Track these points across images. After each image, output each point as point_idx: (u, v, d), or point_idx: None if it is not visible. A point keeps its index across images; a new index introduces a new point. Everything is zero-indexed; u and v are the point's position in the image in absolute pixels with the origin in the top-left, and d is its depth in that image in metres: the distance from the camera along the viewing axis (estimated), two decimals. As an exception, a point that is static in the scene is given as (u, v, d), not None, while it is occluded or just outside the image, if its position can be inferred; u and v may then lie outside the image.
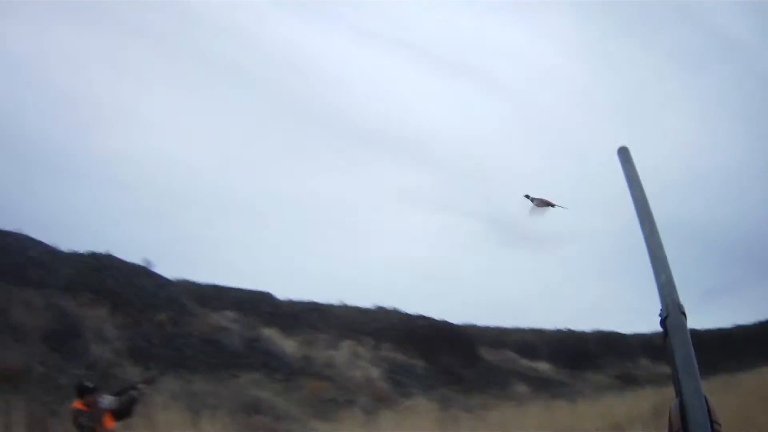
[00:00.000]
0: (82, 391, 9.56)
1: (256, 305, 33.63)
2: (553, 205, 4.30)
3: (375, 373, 30.73)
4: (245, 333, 31.01)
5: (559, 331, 43.03)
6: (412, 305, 39.39)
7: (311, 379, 28.57)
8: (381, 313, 37.22)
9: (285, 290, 37.10)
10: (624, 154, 1.51)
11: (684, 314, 1.18)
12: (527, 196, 4.34)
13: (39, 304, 27.61)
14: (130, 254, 33.58)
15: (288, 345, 31.35)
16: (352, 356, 31.76)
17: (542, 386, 32.35)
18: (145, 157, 56.51)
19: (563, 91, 66.07)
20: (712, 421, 1.06)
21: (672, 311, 1.18)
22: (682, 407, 1.09)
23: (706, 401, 1.08)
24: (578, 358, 39.03)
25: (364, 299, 39.58)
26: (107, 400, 9.36)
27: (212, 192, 59.75)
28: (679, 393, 1.12)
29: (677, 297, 1.20)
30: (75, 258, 32.08)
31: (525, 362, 37.36)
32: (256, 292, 34.96)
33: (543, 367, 37.82)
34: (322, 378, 28.92)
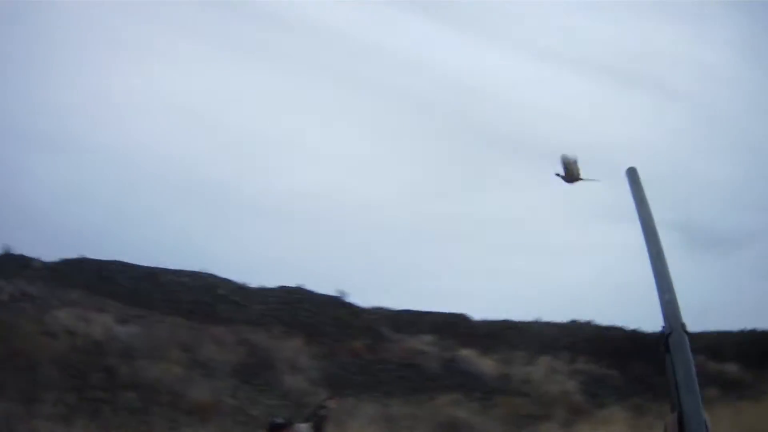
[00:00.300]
0: (273, 428, 8.41)
1: (452, 327, 33.63)
2: (582, 179, 4.39)
3: (571, 386, 30.66)
4: (442, 355, 31.23)
5: (743, 332, 40.40)
6: (605, 316, 37.43)
7: (508, 396, 28.76)
8: (575, 326, 36.72)
9: (480, 311, 36.45)
10: (632, 174, 1.53)
11: (687, 333, 1.19)
12: (557, 174, 4.45)
13: (230, 339, 28.54)
14: (323, 286, 33.87)
15: (485, 364, 31.45)
16: (549, 371, 31.65)
17: (730, 388, 30.90)
18: (330, 191, 58.84)
19: (739, 93, 61.19)
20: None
21: (675, 329, 1.19)
22: (680, 423, 1.11)
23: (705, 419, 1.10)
24: (765, 357, 36.08)
25: (558, 314, 37.79)
26: (303, 428, 9.21)
27: (401, 219, 60.55)
28: (676, 407, 1.13)
29: (680, 316, 1.20)
30: (265, 293, 33.02)
31: (713, 365, 34.15)
32: (451, 314, 34.73)
33: (731, 368, 35.70)
34: (519, 394, 29.04)
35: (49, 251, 35.89)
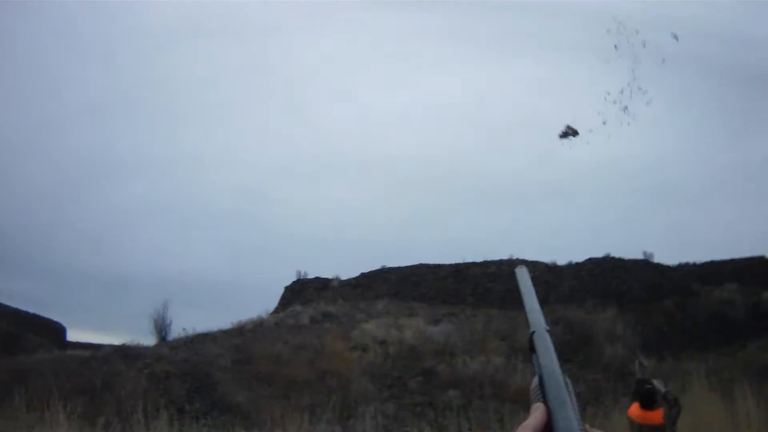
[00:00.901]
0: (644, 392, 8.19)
1: (753, 271, 32.13)
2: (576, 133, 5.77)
3: None
4: (747, 301, 30.37)
5: None
6: None
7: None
8: None
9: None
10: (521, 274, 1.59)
11: (548, 332, 1.28)
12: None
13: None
14: (629, 251, 34.43)
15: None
16: None
17: None
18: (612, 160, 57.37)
19: None
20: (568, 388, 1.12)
21: (539, 329, 1.29)
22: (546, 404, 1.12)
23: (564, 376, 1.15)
24: None
25: None
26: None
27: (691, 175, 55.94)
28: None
29: (545, 324, 1.31)
30: (575, 268, 33.06)
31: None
32: (750, 258, 33.50)
33: None
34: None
35: (343, 270, 38.48)
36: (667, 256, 35.33)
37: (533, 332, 1.29)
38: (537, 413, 1.09)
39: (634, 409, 8.08)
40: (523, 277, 1.53)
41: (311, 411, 19.54)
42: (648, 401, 8.11)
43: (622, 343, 27.04)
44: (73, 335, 49.94)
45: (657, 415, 7.90)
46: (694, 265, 33.99)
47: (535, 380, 1.17)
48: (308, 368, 23.87)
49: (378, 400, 21.88)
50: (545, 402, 1.10)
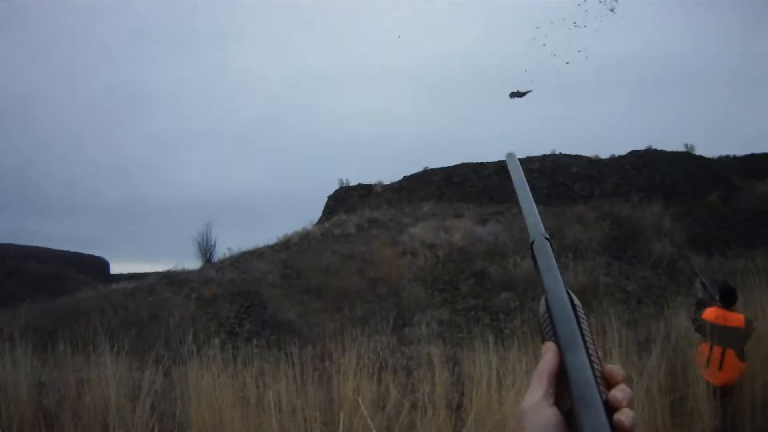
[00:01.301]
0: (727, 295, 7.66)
1: None
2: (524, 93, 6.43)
3: None
4: None
5: None
6: None
7: None
8: None
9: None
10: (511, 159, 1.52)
11: (548, 239, 1.21)
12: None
13: (592, 216, 27.82)
14: (670, 144, 36.16)
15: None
16: None
17: None
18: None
19: None
20: (578, 317, 1.05)
21: (538, 238, 1.21)
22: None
23: (571, 298, 1.08)
24: None
25: None
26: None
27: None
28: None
29: (543, 230, 1.22)
30: (618, 162, 32.47)
31: None
32: None
33: None
34: None
35: (385, 175, 38.03)
36: (708, 148, 35.60)
37: (533, 241, 1.21)
38: (548, 355, 1.02)
39: (712, 311, 7.46)
40: (514, 165, 1.43)
41: (364, 322, 19.37)
42: (729, 299, 7.50)
43: (670, 239, 26.66)
44: (116, 268, 50.84)
45: (739, 318, 7.30)
46: (735, 158, 33.76)
47: (543, 304, 1.09)
48: (358, 278, 23.68)
49: (431, 306, 21.66)
50: (556, 340, 1.03)
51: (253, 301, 22.19)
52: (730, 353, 7.01)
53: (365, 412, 5.16)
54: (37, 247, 49.32)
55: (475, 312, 21.65)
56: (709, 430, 5.20)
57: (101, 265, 51.32)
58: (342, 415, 5.31)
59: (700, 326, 7.49)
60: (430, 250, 25.30)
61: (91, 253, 50.67)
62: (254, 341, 15.68)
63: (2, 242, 46.28)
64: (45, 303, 24.22)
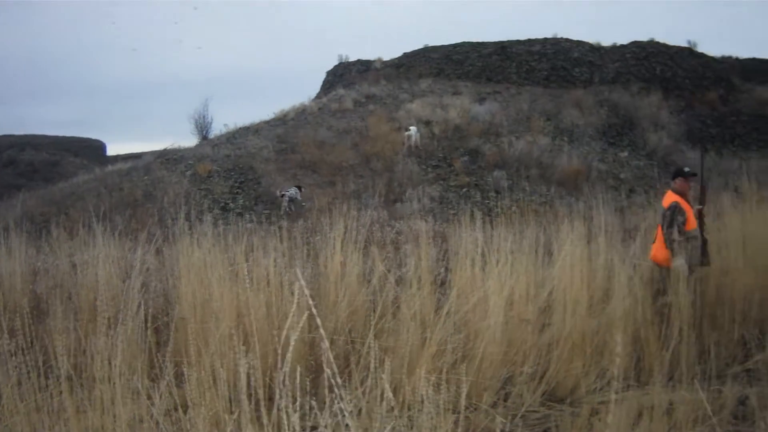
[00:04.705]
0: (680, 175, 7.61)
1: None
2: None
3: None
4: None
5: None
6: None
7: None
8: None
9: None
10: None
11: None
12: None
13: (590, 101, 27.84)
14: (674, 38, 33.88)
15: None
16: None
17: None
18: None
19: None
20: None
21: None
22: None
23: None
24: None
25: None
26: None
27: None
28: None
29: None
30: (619, 50, 32.16)
31: None
32: None
33: None
34: None
35: (385, 52, 37.36)
36: (711, 47, 35.21)
37: None
38: None
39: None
40: None
41: (357, 196, 19.57)
42: (673, 178, 7.56)
43: (667, 131, 26.77)
44: (113, 149, 50.69)
45: (668, 198, 7.34)
46: (737, 59, 33.36)
47: None
48: (353, 153, 23.73)
49: (424, 182, 21.82)
50: None
51: (247, 176, 22.28)
52: (659, 230, 7.17)
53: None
54: (33, 135, 49.22)
55: (468, 189, 21.84)
56: (686, 320, 5.40)
57: (97, 147, 51.24)
58: (328, 288, 5.49)
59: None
60: (426, 126, 25.26)
61: (88, 136, 50.39)
62: (246, 216, 15.81)
63: (-1, 134, 46.11)
64: (42, 190, 24.31)
